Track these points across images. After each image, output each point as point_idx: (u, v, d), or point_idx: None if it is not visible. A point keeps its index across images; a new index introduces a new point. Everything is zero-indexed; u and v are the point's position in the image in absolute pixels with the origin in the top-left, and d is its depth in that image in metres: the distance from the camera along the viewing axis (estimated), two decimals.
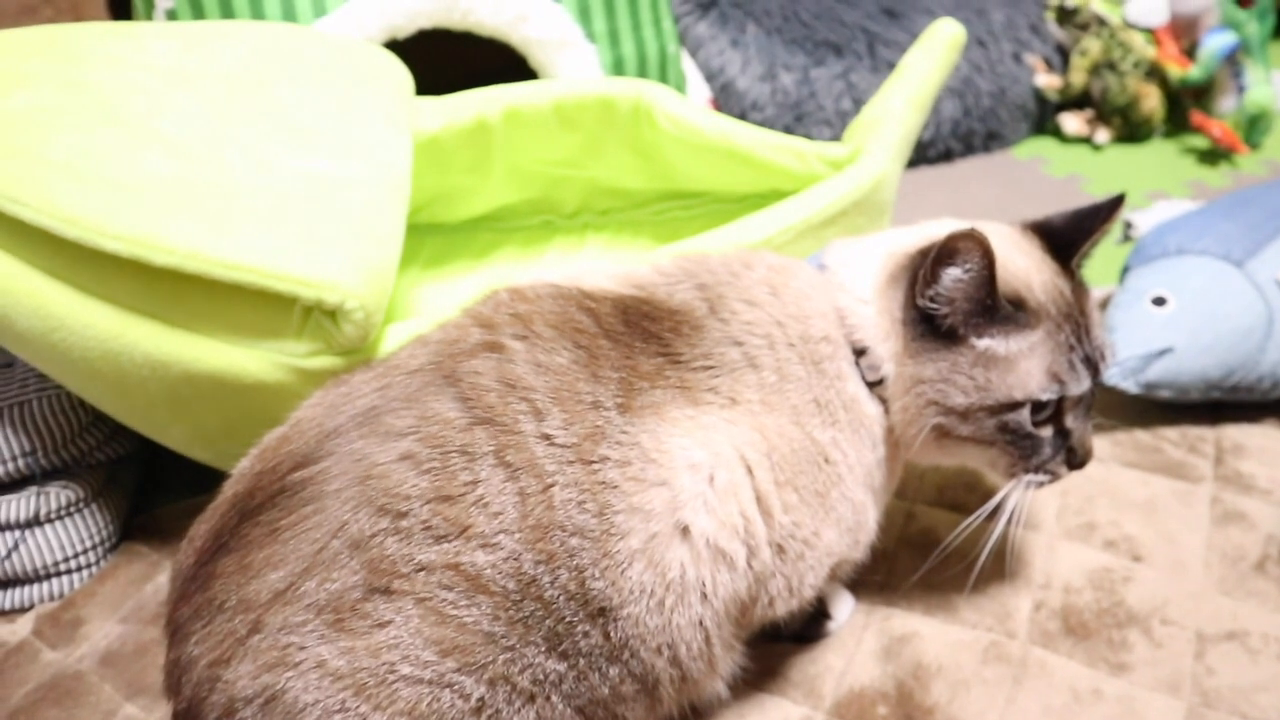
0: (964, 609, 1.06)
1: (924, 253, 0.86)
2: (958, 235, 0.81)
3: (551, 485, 0.75)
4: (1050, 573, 1.09)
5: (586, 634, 0.75)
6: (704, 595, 0.78)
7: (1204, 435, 1.26)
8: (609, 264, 0.93)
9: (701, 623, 0.79)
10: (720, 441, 0.79)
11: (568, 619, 0.75)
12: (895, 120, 1.28)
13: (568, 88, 1.35)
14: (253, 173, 1.03)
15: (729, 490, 0.79)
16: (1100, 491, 1.19)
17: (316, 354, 1.00)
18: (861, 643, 1.03)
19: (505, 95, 1.35)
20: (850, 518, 0.88)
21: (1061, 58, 2.10)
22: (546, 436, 0.76)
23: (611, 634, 0.76)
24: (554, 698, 0.76)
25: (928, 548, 1.13)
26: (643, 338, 0.83)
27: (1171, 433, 1.26)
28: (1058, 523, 1.15)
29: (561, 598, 0.74)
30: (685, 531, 0.77)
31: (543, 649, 0.74)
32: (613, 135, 1.39)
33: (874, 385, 0.89)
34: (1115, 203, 0.93)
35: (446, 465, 0.74)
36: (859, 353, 0.88)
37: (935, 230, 0.93)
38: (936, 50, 1.33)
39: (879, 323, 0.88)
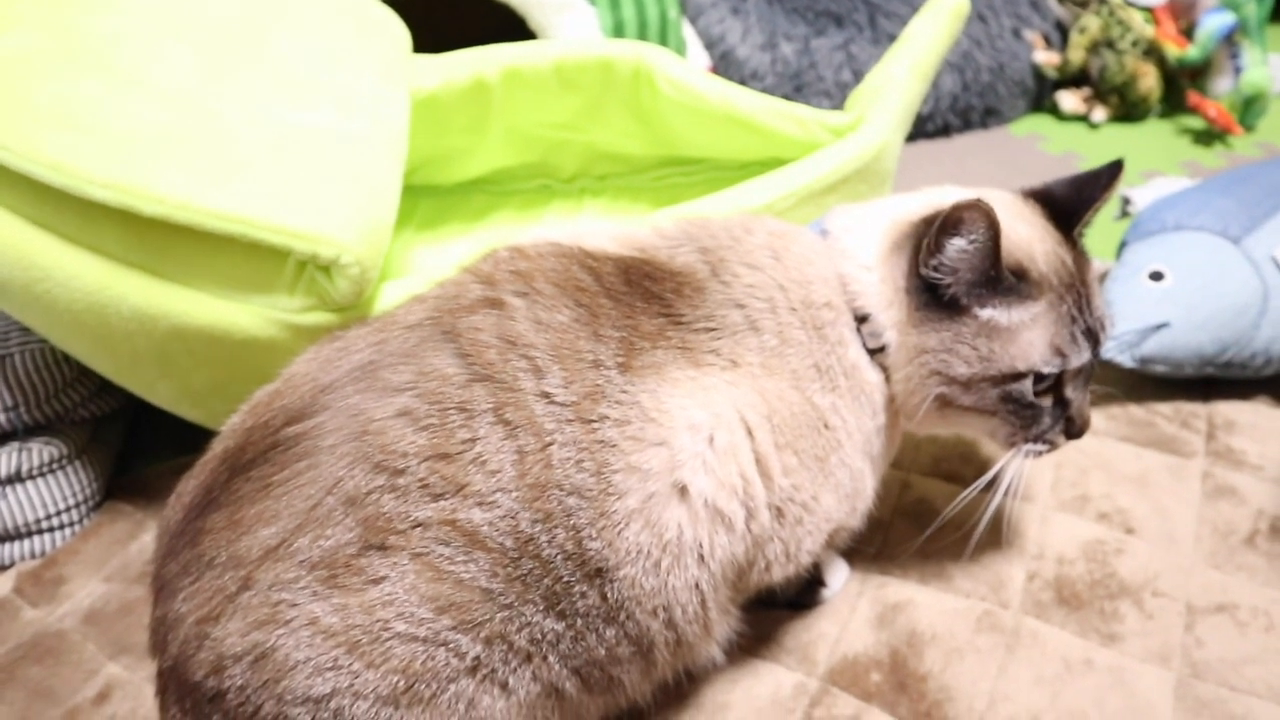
0: (958, 578, 1.05)
1: (928, 221, 0.85)
2: (963, 205, 0.80)
3: (550, 444, 0.73)
4: (1044, 544, 1.09)
5: (584, 594, 0.74)
6: (701, 557, 0.78)
7: (1196, 411, 1.26)
8: (610, 224, 0.91)
9: (698, 585, 0.78)
10: (721, 403, 0.79)
11: (565, 579, 0.74)
12: (898, 88, 1.26)
13: (568, 48, 1.33)
14: (247, 124, 1.00)
15: (729, 451, 0.78)
16: (1094, 464, 1.19)
17: (310, 310, 0.98)
18: (856, 610, 1.03)
19: (505, 55, 1.32)
20: (849, 484, 0.87)
21: (1060, 35, 2.08)
22: (546, 394, 0.75)
23: (608, 595, 0.75)
24: (551, 657, 0.75)
25: (923, 517, 1.12)
26: (644, 298, 0.81)
27: (1165, 408, 1.26)
28: (1052, 494, 1.15)
29: (559, 557, 0.73)
30: (683, 491, 0.76)
31: (540, 607, 0.74)
32: (613, 98, 1.37)
33: (875, 353, 0.88)
34: (1115, 169, 0.92)
35: (445, 422, 0.73)
36: (860, 320, 0.87)
37: (939, 198, 0.92)
38: (940, 19, 1.31)
39: (881, 290, 0.87)
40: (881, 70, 1.30)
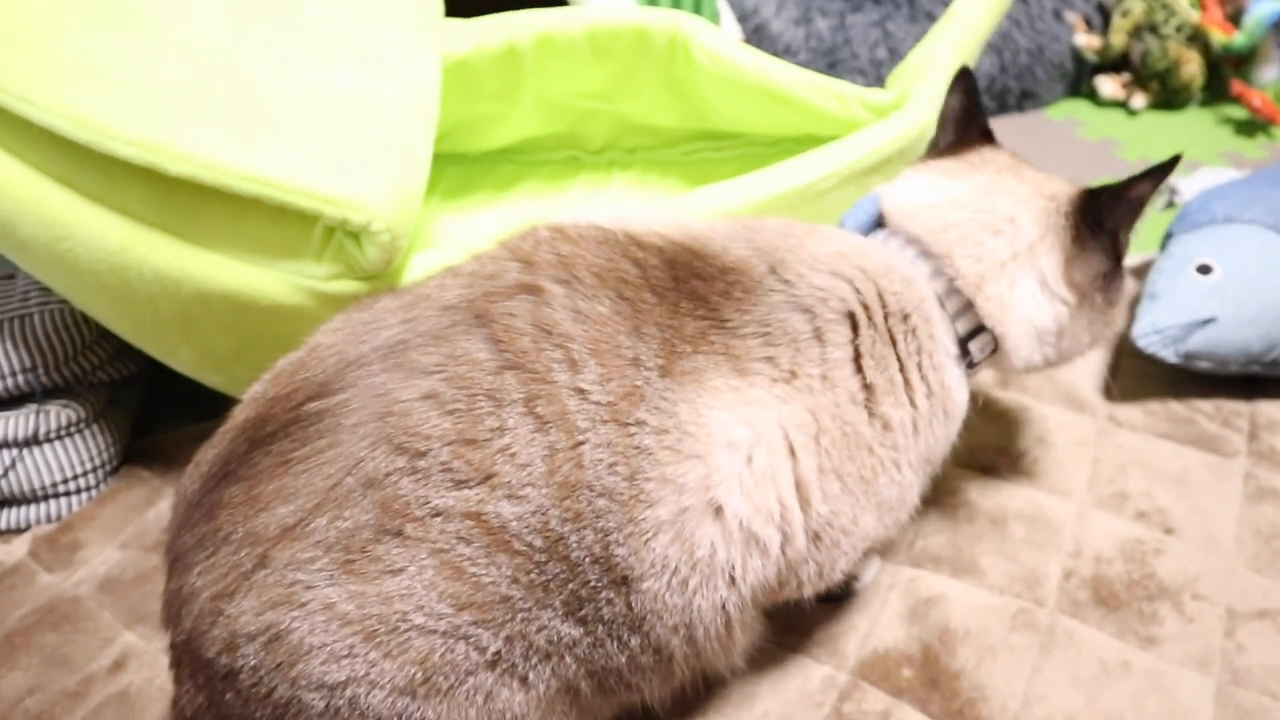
0: (992, 573, 1.03)
1: (1115, 194, 0.88)
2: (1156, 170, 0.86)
3: (582, 443, 0.70)
4: (1081, 541, 1.06)
5: (610, 601, 0.71)
6: (731, 579, 0.74)
7: (1239, 410, 1.23)
8: (658, 209, 0.87)
9: (724, 606, 0.75)
10: (766, 420, 0.74)
11: (592, 583, 0.71)
12: (942, 67, 1.22)
13: (603, 15, 1.29)
14: (277, 83, 0.97)
15: (767, 475, 0.74)
16: (1133, 460, 1.16)
17: (337, 277, 0.96)
18: (887, 603, 1.00)
19: (538, 20, 1.29)
20: (894, 500, 0.83)
21: (1102, 18, 2.03)
22: (580, 390, 0.71)
23: (634, 604, 0.72)
24: (568, 658, 0.73)
25: (956, 508, 1.10)
26: (690, 296, 0.77)
27: (1206, 405, 1.23)
28: (1089, 490, 1.12)
29: (587, 559, 0.70)
30: (719, 511, 0.72)
31: (560, 613, 0.71)
32: (647, 68, 1.34)
33: (969, 358, 0.88)
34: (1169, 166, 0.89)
35: (472, 408, 0.70)
36: (971, 334, 0.86)
37: (1040, 181, 0.93)
38: None
39: (1031, 298, 0.88)
40: (925, 48, 1.26)
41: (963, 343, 0.87)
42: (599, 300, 0.74)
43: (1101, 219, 0.88)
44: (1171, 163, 0.87)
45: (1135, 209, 0.88)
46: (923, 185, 0.93)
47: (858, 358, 0.79)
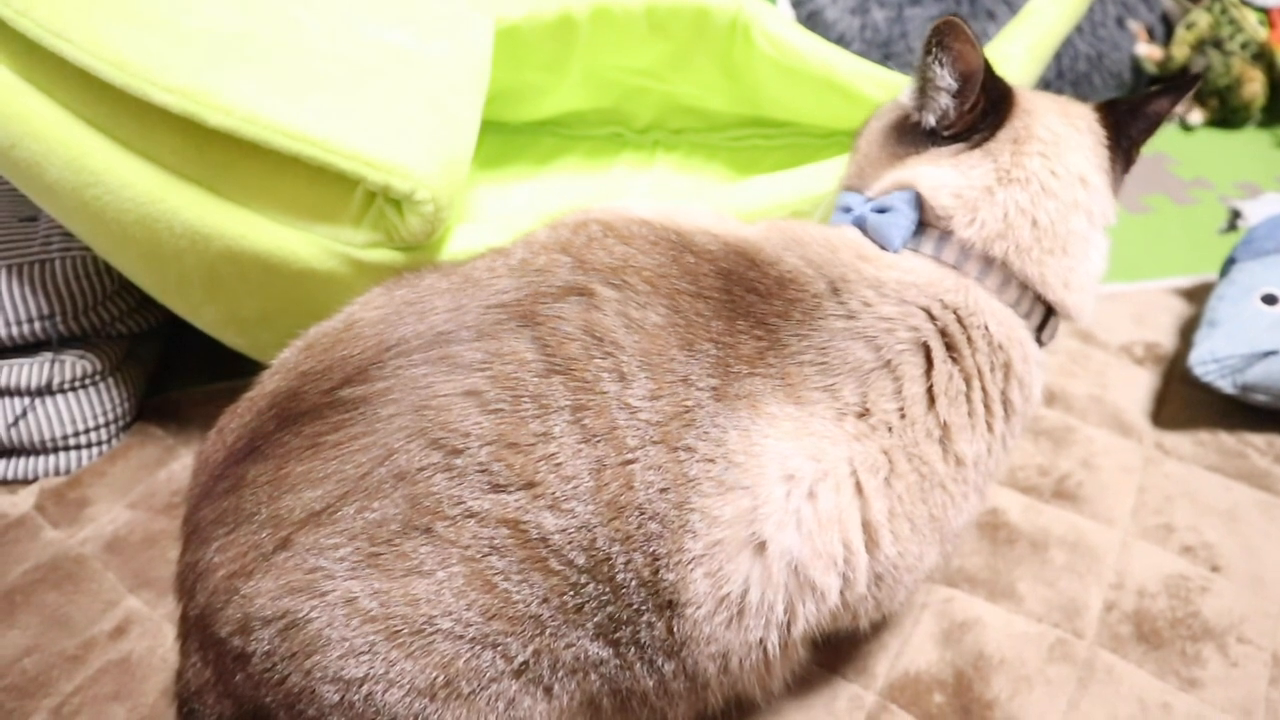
0: (1030, 600, 0.99)
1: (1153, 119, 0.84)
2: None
3: (632, 461, 0.66)
4: (1123, 572, 1.02)
5: (650, 624, 0.67)
6: (769, 622, 0.69)
7: None
8: (705, 207, 0.82)
9: (763, 642, 0.70)
10: (835, 456, 0.69)
11: (635, 606, 0.67)
12: (1015, 68, 1.17)
13: None
14: (326, 36, 0.92)
15: (833, 516, 0.69)
16: (1180, 492, 1.11)
17: (375, 245, 0.92)
18: (919, 623, 0.97)
19: None
20: (959, 526, 0.78)
21: (1165, 28, 1.97)
22: (629, 406, 0.66)
23: (675, 629, 0.68)
24: (593, 676, 0.69)
25: (996, 529, 1.06)
26: (745, 314, 0.71)
27: (1258, 439, 1.19)
28: (1133, 520, 1.08)
29: (633, 582, 0.66)
30: (760, 547, 0.67)
31: (591, 633, 0.67)
32: (703, 48, 1.28)
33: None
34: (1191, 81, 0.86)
35: (516, 410, 0.66)
36: (1043, 322, 0.81)
37: (1073, 115, 0.84)
38: None
39: (1098, 251, 0.82)
40: (996, 47, 1.20)
41: (1037, 335, 0.81)
42: (652, 309, 0.70)
43: (1122, 132, 0.85)
44: (1192, 80, 0.85)
45: (1153, 124, 0.85)
46: (988, 181, 0.80)
47: (932, 393, 0.73)
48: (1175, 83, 0.84)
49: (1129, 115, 0.84)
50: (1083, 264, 0.81)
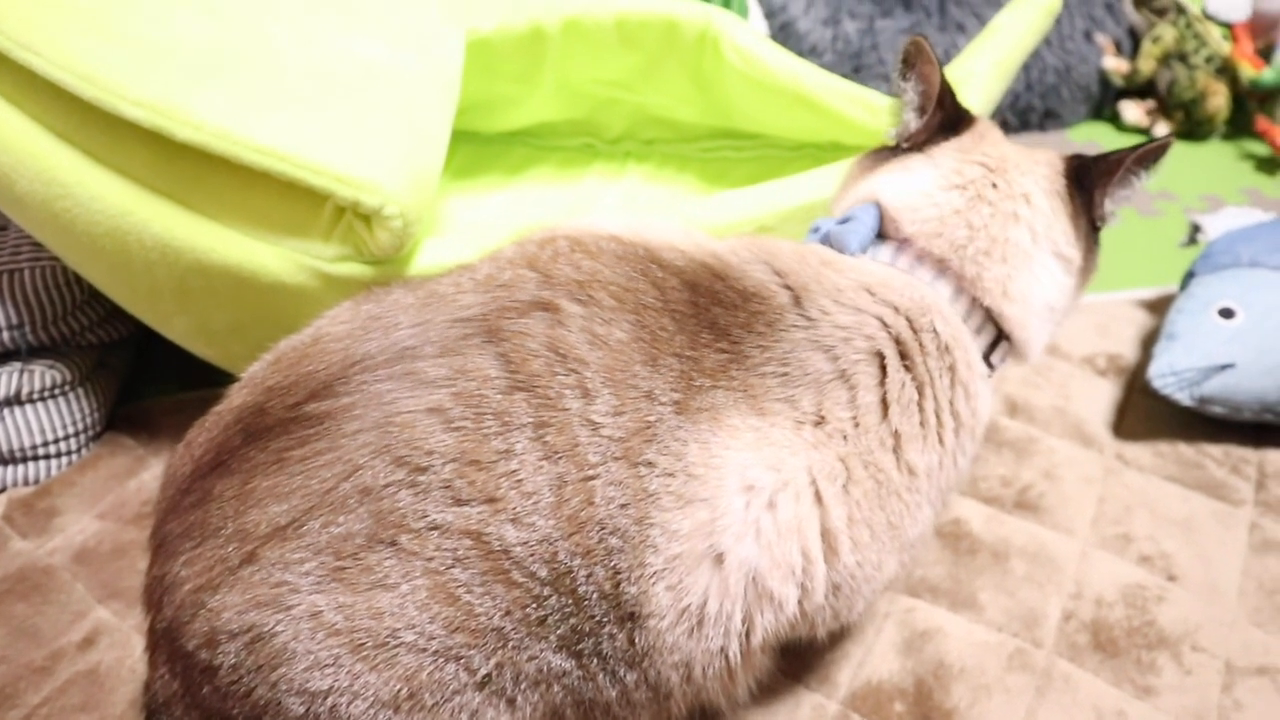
0: (991, 609, 1.01)
1: (1112, 163, 0.84)
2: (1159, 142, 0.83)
3: (593, 478, 0.67)
4: (1082, 582, 1.04)
5: (612, 636, 0.68)
6: (728, 631, 0.70)
7: (1247, 457, 1.21)
8: (675, 221, 0.83)
9: (724, 650, 0.72)
10: (794, 465, 0.71)
11: (597, 618, 0.68)
12: (979, 84, 1.19)
13: (633, 3, 1.25)
14: (296, 48, 0.93)
15: (792, 526, 0.70)
16: (1139, 502, 1.14)
17: (344, 259, 0.92)
18: (882, 633, 0.98)
19: (566, 3, 1.24)
20: (916, 537, 0.80)
21: (1132, 42, 2.00)
22: (592, 422, 0.67)
23: (636, 640, 0.69)
24: (556, 688, 0.70)
25: (959, 539, 1.08)
26: (710, 327, 0.73)
27: (1215, 450, 1.21)
28: (1093, 530, 1.10)
29: (595, 595, 0.67)
30: (718, 559, 0.69)
31: (554, 645, 0.68)
32: (673, 60, 1.30)
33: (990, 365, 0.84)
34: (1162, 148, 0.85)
35: (479, 427, 0.67)
36: (993, 345, 0.83)
37: (1028, 152, 0.88)
38: (1030, 14, 1.24)
39: (1047, 275, 0.84)
40: (962, 63, 1.22)
41: (986, 357, 0.84)
42: (617, 325, 0.71)
43: (1084, 172, 0.86)
44: (1162, 147, 0.84)
45: (1114, 167, 0.85)
46: (928, 185, 0.85)
47: (885, 401, 0.75)
48: (1146, 145, 0.83)
49: (1094, 160, 0.86)
50: (1023, 275, 0.83)
